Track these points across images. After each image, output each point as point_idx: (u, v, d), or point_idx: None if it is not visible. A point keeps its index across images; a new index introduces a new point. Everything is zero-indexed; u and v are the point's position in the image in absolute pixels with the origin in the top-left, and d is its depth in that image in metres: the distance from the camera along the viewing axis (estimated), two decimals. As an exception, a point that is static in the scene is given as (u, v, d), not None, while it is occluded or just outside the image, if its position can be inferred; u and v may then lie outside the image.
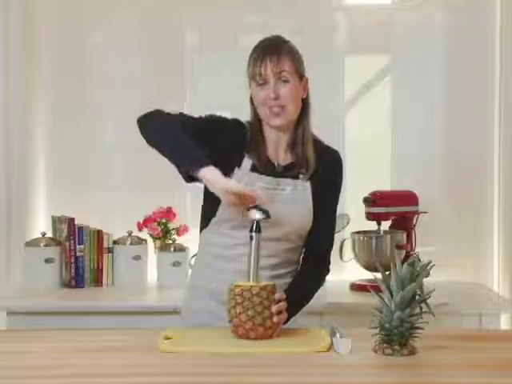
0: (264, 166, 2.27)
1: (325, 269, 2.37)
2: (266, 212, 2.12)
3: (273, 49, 2.22)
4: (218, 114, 2.33)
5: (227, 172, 2.21)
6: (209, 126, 2.26)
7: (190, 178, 2.10)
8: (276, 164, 2.30)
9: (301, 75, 2.26)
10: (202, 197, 2.34)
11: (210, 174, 2.07)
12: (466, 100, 3.49)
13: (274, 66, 2.20)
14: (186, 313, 2.39)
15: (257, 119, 2.30)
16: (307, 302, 2.30)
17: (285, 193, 2.27)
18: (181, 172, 2.12)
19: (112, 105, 3.54)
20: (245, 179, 2.24)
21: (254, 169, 2.26)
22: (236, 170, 2.25)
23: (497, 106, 3.45)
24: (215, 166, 2.10)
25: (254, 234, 2.10)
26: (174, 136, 2.15)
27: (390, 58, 3.59)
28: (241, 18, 3.54)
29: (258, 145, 2.28)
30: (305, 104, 2.30)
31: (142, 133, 2.25)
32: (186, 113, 2.30)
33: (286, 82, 2.22)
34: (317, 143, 2.33)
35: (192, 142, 2.13)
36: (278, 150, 2.31)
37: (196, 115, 2.29)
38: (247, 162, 2.27)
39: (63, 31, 3.51)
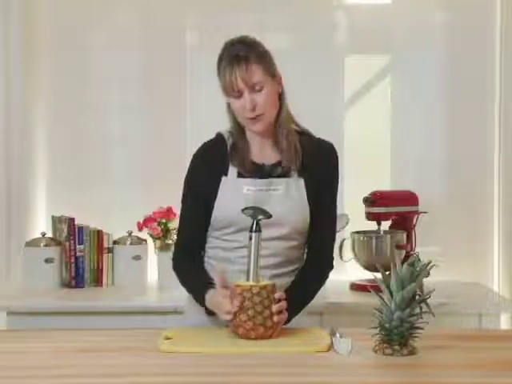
0: (250, 171, 2.27)
1: (327, 266, 2.36)
2: (266, 212, 2.12)
3: (240, 60, 2.18)
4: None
5: (216, 183, 2.26)
6: (194, 175, 2.32)
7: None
8: (262, 165, 2.29)
9: (273, 75, 2.23)
10: None
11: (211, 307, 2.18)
12: (466, 100, 3.49)
13: (244, 79, 2.17)
14: (188, 313, 2.39)
15: (237, 125, 2.29)
16: (309, 301, 2.29)
17: (278, 192, 2.26)
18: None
19: (112, 105, 3.54)
20: (233, 186, 2.25)
21: (240, 174, 2.27)
22: (223, 178, 2.26)
23: (497, 105, 3.45)
24: (204, 181, 2.26)
25: (253, 233, 2.10)
26: (186, 287, 2.33)
27: (389, 58, 3.59)
28: (241, 17, 3.53)
29: (239, 151, 2.28)
30: (281, 99, 2.28)
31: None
32: (184, 205, 2.36)
33: (259, 90, 2.20)
34: (306, 137, 2.32)
35: (191, 283, 2.30)
36: (263, 150, 2.30)
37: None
38: (233, 170, 2.27)
39: (63, 31, 3.51)
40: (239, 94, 2.20)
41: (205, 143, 2.35)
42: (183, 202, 2.37)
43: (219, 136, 2.33)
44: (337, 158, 2.35)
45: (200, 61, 3.53)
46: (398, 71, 3.57)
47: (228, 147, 2.30)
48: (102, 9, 3.52)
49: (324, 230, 2.33)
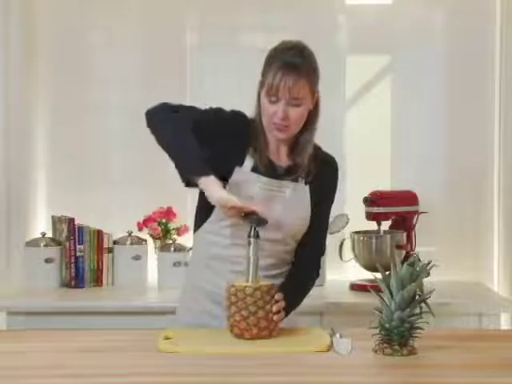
0: (265, 167, 2.25)
1: (315, 273, 2.38)
2: (263, 220, 2.12)
3: (292, 70, 2.15)
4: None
5: (228, 170, 2.22)
6: (216, 120, 2.26)
7: (189, 183, 2.14)
8: (277, 165, 2.28)
9: (314, 92, 2.22)
10: (198, 197, 2.34)
11: (208, 185, 2.11)
12: (466, 100, 3.49)
13: (290, 91, 2.15)
14: (184, 313, 2.38)
15: (260, 119, 2.26)
16: (296, 307, 2.28)
17: (285, 195, 2.26)
18: (181, 176, 2.15)
19: (112, 105, 3.54)
20: (245, 179, 2.23)
21: (254, 169, 2.25)
22: (237, 168, 2.24)
23: (497, 106, 3.45)
24: (217, 163, 2.15)
25: (252, 239, 2.10)
26: (179, 140, 2.18)
27: (390, 58, 3.59)
28: (241, 17, 3.54)
29: (260, 145, 2.26)
30: (312, 115, 2.25)
31: (149, 128, 2.26)
32: (195, 106, 2.30)
33: (297, 105, 2.18)
34: (316, 150, 2.31)
35: (196, 146, 2.16)
36: (279, 152, 2.30)
37: (206, 107, 2.30)
38: (249, 162, 2.25)
39: (63, 31, 3.51)
40: (276, 100, 2.17)
41: (243, 116, 2.28)
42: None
43: (246, 121, 2.27)
44: (338, 173, 2.37)
45: (200, 61, 3.53)
46: (398, 71, 3.57)
47: (250, 137, 2.26)
48: (102, 9, 3.51)
49: (317, 239, 2.35)
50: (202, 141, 2.19)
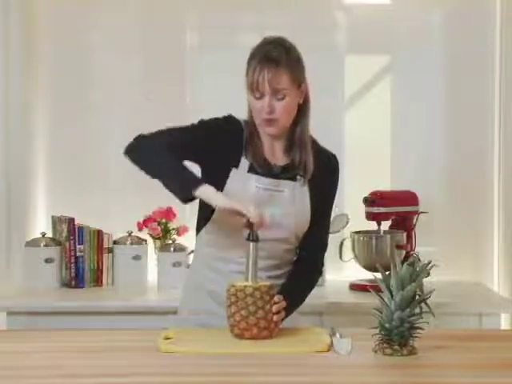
0: (261, 167, 2.25)
1: (317, 271, 2.39)
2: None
3: (271, 63, 2.15)
4: (217, 114, 2.31)
5: (225, 173, 2.22)
6: (201, 132, 2.26)
7: (186, 199, 2.14)
8: (273, 165, 2.28)
9: (299, 83, 2.22)
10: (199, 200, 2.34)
11: (208, 194, 2.11)
12: (466, 100, 3.49)
13: (270, 82, 2.15)
14: (185, 313, 2.38)
15: (253, 120, 2.27)
16: (299, 305, 2.29)
17: (284, 194, 2.26)
18: (178, 194, 2.16)
19: (112, 105, 3.54)
20: (242, 180, 2.23)
21: (251, 169, 2.25)
22: (233, 170, 2.24)
23: (497, 105, 3.45)
24: (214, 168, 2.19)
25: (251, 243, 2.10)
26: (161, 165, 2.19)
27: (389, 57, 3.59)
28: (241, 17, 3.54)
29: (254, 145, 2.26)
30: (302, 108, 2.26)
31: (133, 163, 2.26)
32: (173, 126, 2.27)
33: (282, 98, 2.18)
34: (314, 145, 2.31)
35: (181, 163, 2.17)
36: (274, 151, 2.30)
37: (188, 123, 2.29)
38: (244, 163, 2.25)
39: (63, 31, 3.51)
40: (260, 96, 2.18)
41: (233, 119, 2.28)
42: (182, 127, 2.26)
43: (237, 123, 2.28)
44: (338, 169, 2.37)
45: (200, 61, 3.53)
46: (398, 71, 3.57)
47: (244, 139, 2.26)
48: (102, 9, 3.51)
49: (319, 237, 2.35)
50: (195, 154, 2.23)
